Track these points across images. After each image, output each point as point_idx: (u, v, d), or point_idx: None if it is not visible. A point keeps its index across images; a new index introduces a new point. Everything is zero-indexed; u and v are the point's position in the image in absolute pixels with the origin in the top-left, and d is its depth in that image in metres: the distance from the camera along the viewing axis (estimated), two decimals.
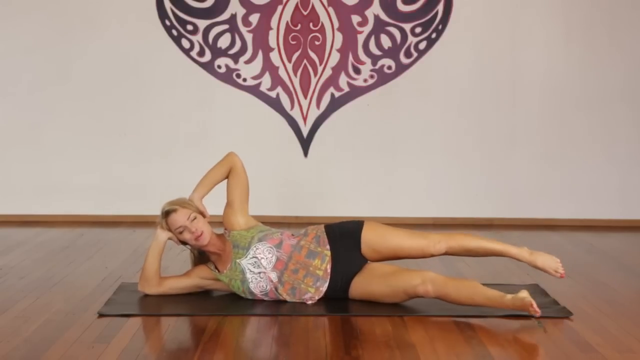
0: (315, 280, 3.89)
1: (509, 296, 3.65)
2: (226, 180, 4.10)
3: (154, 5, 6.07)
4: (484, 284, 3.79)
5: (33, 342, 3.33)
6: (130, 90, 6.14)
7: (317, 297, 3.90)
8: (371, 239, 3.95)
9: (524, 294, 3.66)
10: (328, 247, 3.92)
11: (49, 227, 5.93)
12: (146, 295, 3.99)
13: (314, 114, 6.16)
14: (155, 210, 4.05)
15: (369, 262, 3.97)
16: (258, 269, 3.90)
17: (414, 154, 6.19)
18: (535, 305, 3.60)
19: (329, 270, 3.90)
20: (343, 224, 4.03)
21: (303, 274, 3.90)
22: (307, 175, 6.21)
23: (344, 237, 3.96)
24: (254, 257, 3.91)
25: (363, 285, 3.88)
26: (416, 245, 3.94)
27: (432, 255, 3.97)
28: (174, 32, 6.09)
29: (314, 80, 6.12)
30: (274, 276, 3.90)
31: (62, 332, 3.46)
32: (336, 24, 6.09)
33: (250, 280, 3.90)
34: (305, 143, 6.18)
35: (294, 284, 3.90)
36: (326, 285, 3.90)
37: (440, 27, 6.10)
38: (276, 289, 3.90)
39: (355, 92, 6.15)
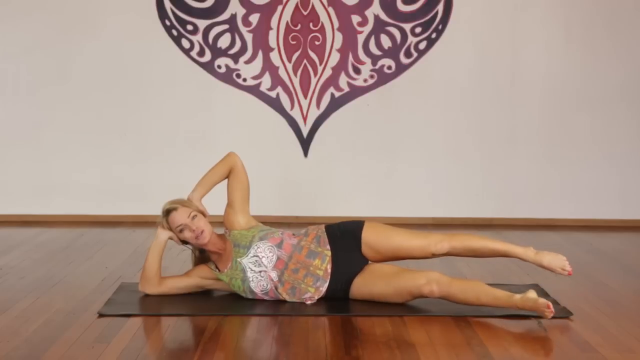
0: (315, 280, 3.89)
1: (518, 296, 3.63)
2: (226, 181, 4.10)
3: (154, 5, 6.07)
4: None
5: (33, 342, 3.33)
6: (130, 90, 6.14)
7: (316, 297, 3.90)
8: (372, 239, 3.94)
9: (533, 294, 3.64)
10: (328, 247, 3.92)
11: (49, 227, 5.93)
12: (146, 295, 4.00)
13: (314, 114, 6.16)
14: (155, 210, 4.06)
15: (370, 262, 3.97)
16: (259, 267, 3.90)
17: (414, 154, 6.19)
18: (552, 306, 3.58)
19: (329, 270, 3.90)
20: (344, 224, 4.02)
21: (303, 274, 3.89)
22: (307, 175, 6.21)
23: (345, 237, 3.95)
24: (255, 255, 3.91)
25: (365, 286, 3.87)
26: (417, 245, 3.92)
27: (434, 256, 3.94)
28: (174, 32, 6.09)
29: (314, 80, 6.12)
30: (274, 275, 3.90)
31: (62, 332, 3.46)
32: (336, 24, 6.09)
33: (251, 279, 3.90)
34: (305, 143, 6.18)
35: (294, 283, 3.89)
36: (326, 285, 3.89)
37: (440, 27, 6.10)
38: (276, 288, 3.90)
39: (355, 92, 6.15)
